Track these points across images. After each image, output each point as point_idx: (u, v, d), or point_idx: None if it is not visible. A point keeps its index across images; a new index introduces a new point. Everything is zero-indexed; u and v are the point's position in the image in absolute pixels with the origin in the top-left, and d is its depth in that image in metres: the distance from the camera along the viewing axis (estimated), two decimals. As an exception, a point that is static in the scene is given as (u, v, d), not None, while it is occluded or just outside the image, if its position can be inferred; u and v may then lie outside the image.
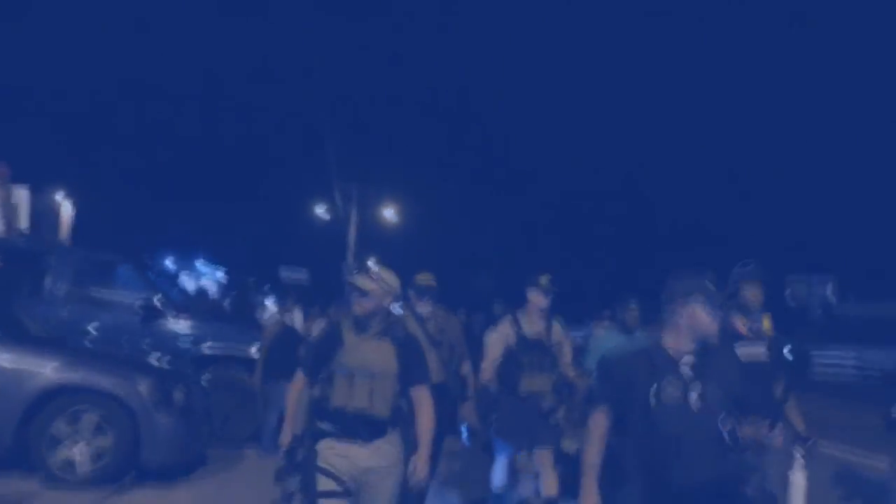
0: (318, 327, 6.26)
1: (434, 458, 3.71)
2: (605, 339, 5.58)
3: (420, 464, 2.93)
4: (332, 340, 2.98)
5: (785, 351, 3.68)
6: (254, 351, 6.57)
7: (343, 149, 18.48)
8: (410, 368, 2.98)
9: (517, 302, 4.54)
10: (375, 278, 3.02)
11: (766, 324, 3.67)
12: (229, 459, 5.93)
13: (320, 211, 20.68)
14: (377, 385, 2.88)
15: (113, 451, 4.88)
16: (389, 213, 20.07)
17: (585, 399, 4.43)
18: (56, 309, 6.47)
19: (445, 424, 4.22)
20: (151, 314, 6.66)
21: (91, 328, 6.58)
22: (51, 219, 7.93)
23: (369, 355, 2.92)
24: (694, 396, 2.36)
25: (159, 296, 6.77)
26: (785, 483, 3.74)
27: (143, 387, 5.00)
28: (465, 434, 6.54)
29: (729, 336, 3.30)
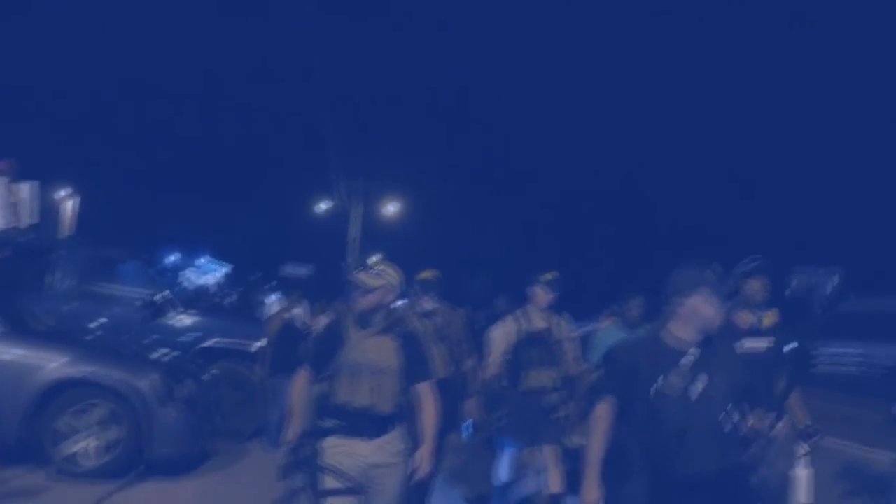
0: (322, 323, 6.26)
1: (438, 453, 3.72)
2: (610, 334, 5.58)
3: (424, 459, 2.94)
4: (335, 337, 2.99)
5: (789, 347, 3.68)
6: (258, 346, 6.59)
7: (345, 146, 18.52)
8: (413, 365, 2.98)
9: (520, 298, 4.55)
10: (378, 274, 3.01)
11: (773, 318, 3.67)
12: (234, 454, 5.97)
13: (323, 208, 20.74)
14: (381, 381, 2.88)
15: (120, 445, 4.92)
16: (391, 210, 20.11)
17: (589, 393, 4.44)
18: (61, 304, 6.50)
19: (449, 420, 4.23)
20: (156, 310, 6.70)
21: (96, 323, 6.62)
22: (55, 215, 7.97)
23: (372, 352, 2.92)
24: (698, 387, 2.37)
25: (164, 292, 6.80)
26: (789, 476, 3.75)
27: (150, 381, 5.04)
28: (468, 430, 6.57)
29: (732, 330, 3.31)
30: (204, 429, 5.48)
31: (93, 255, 6.91)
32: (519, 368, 4.30)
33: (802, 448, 3.59)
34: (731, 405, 2.38)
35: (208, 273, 22.67)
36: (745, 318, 3.63)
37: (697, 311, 2.43)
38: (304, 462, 2.90)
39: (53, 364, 4.97)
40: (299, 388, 3.09)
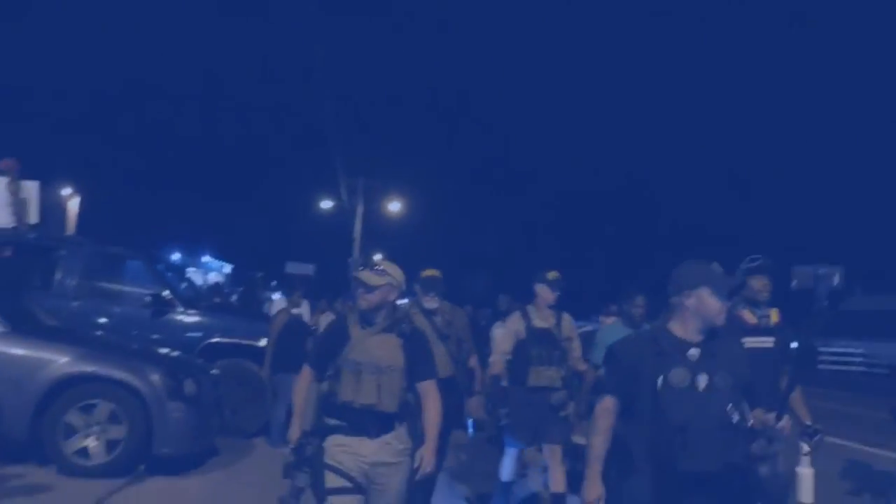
0: (325, 321, 6.28)
1: (441, 451, 3.73)
2: (612, 333, 5.58)
3: (427, 456, 2.94)
4: (338, 335, 2.98)
5: (792, 345, 3.68)
6: (263, 343, 6.62)
7: (348, 145, 18.53)
8: (417, 363, 2.98)
9: (522, 297, 4.55)
10: (381, 272, 3.01)
11: (775, 317, 3.68)
12: (239, 450, 5.99)
13: (324, 207, 20.75)
14: (384, 380, 2.88)
15: (126, 442, 4.93)
16: (394, 208, 20.12)
17: (593, 390, 4.45)
18: (66, 302, 6.53)
19: (453, 418, 4.24)
20: (161, 307, 6.72)
21: (101, 321, 6.65)
22: (58, 214, 7.99)
23: (376, 350, 2.92)
24: (705, 379, 2.37)
25: (168, 290, 6.83)
26: (793, 474, 3.76)
27: (155, 378, 5.05)
28: (470, 428, 6.58)
29: (736, 328, 3.31)
30: (209, 426, 5.50)
31: (98, 252, 6.93)
32: (523, 366, 4.30)
33: (804, 447, 3.59)
34: (735, 400, 2.39)
35: (210, 272, 22.71)
36: (748, 316, 3.63)
37: (701, 305, 2.43)
38: (308, 460, 2.91)
39: (59, 361, 4.99)
40: (303, 387, 3.10)
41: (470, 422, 6.34)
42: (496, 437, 5.39)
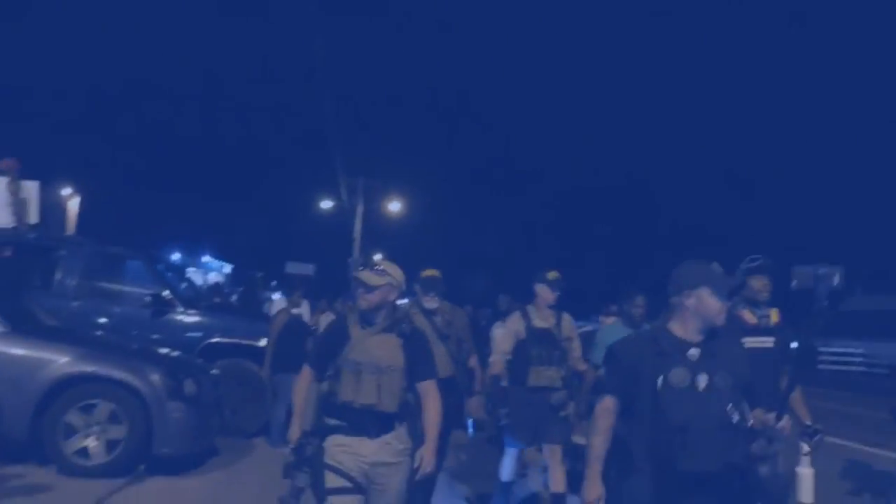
0: (325, 321, 6.29)
1: (441, 451, 3.73)
2: (611, 333, 5.58)
3: (427, 456, 2.94)
4: (338, 335, 2.99)
5: (792, 345, 3.68)
6: (263, 343, 6.62)
7: (348, 145, 18.54)
8: (417, 363, 2.98)
9: (522, 297, 4.55)
10: (381, 272, 3.01)
11: (775, 317, 3.68)
12: (239, 450, 5.99)
13: (326, 206, 20.76)
14: (385, 380, 2.89)
15: (126, 442, 4.94)
16: (394, 208, 20.13)
17: (593, 390, 4.45)
18: (66, 302, 6.53)
19: (453, 418, 4.24)
20: (161, 307, 6.72)
21: (101, 321, 6.65)
22: (58, 214, 8.00)
23: (376, 350, 2.92)
24: (705, 379, 2.37)
25: (168, 290, 6.83)
26: (793, 474, 3.76)
27: (156, 378, 5.05)
28: (470, 428, 6.59)
29: (736, 328, 3.31)
30: (209, 426, 5.50)
31: (98, 252, 6.94)
32: (523, 366, 4.31)
33: (804, 447, 3.59)
34: (737, 399, 2.39)
35: (210, 272, 22.73)
36: (748, 316, 3.64)
37: (702, 305, 2.43)
38: (308, 461, 2.91)
39: (59, 361, 4.99)
40: (303, 387, 3.10)
41: (470, 422, 6.34)
42: (496, 437, 5.39)
